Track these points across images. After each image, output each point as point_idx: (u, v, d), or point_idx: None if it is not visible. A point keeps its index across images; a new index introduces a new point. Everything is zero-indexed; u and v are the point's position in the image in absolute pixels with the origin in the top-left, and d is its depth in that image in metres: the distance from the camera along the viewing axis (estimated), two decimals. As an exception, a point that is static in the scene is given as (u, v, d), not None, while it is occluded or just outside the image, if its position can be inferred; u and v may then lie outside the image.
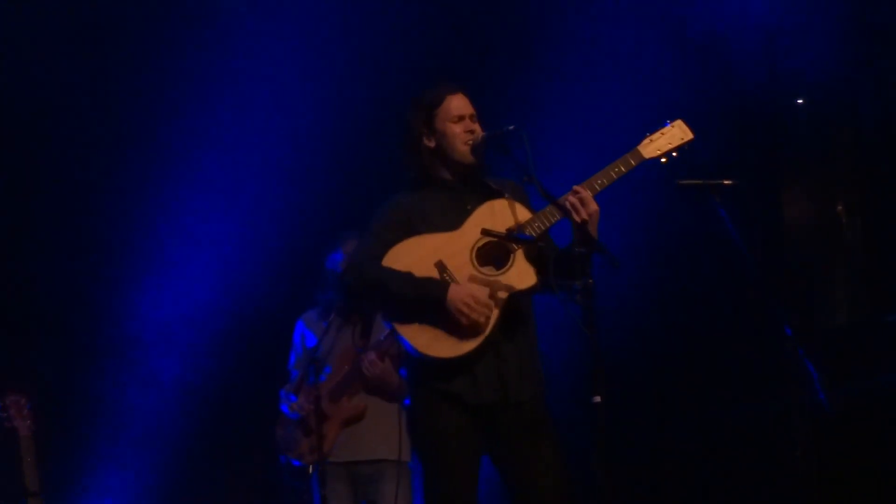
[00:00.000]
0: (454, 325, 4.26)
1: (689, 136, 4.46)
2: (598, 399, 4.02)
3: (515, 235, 4.31)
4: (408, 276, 4.31)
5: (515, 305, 4.35)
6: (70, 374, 7.27)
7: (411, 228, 4.41)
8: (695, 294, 7.54)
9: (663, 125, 4.47)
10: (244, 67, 7.52)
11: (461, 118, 4.47)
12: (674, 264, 7.54)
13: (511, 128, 4.33)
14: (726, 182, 4.57)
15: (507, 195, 4.43)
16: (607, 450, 3.97)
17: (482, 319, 4.24)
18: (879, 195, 7.56)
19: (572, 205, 4.25)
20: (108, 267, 7.39)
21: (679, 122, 4.49)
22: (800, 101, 7.91)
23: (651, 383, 7.53)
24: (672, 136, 4.45)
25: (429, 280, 4.31)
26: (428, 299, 4.26)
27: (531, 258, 4.35)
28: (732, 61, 7.52)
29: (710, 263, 7.33)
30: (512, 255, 4.34)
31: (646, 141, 4.44)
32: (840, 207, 7.83)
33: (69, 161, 7.36)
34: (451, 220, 4.39)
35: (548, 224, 4.33)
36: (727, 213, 4.58)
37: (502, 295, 4.30)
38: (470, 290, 4.26)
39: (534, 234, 4.31)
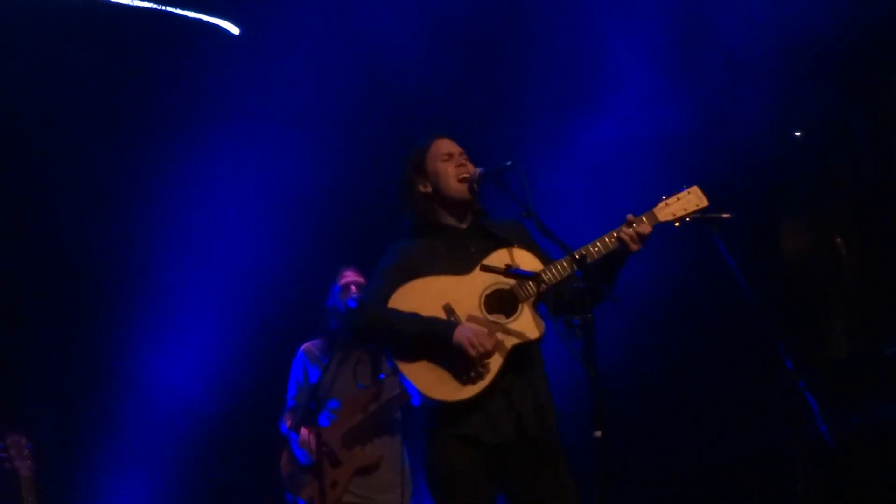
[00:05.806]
0: (458, 368, 4.27)
1: (703, 202, 4.46)
2: (598, 434, 4.02)
3: (513, 271, 4.32)
4: (414, 316, 4.32)
5: (523, 350, 4.35)
6: (71, 415, 7.25)
7: (416, 272, 4.42)
8: (694, 327, 7.54)
9: (679, 190, 4.47)
10: (237, 129, 7.52)
11: (450, 156, 4.52)
12: (673, 298, 7.54)
13: (509, 164, 4.37)
14: (725, 215, 4.58)
15: (515, 244, 4.45)
16: (609, 484, 3.96)
17: (486, 355, 4.24)
18: (878, 227, 7.57)
19: (630, 236, 4.32)
20: (106, 306, 7.38)
21: (695, 189, 4.48)
22: (798, 134, 7.93)
23: (652, 417, 7.51)
24: (688, 203, 4.45)
25: (435, 319, 4.32)
26: (435, 338, 4.27)
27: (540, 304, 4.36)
28: (732, 94, 7.55)
29: (709, 296, 7.32)
30: (520, 305, 4.35)
31: (661, 204, 4.45)
32: (839, 240, 7.84)
33: (76, 208, 7.38)
34: (456, 265, 4.41)
35: (562, 276, 4.34)
36: (726, 246, 4.59)
37: (508, 344, 4.31)
38: (474, 328, 4.27)
39: (545, 280, 4.31)
